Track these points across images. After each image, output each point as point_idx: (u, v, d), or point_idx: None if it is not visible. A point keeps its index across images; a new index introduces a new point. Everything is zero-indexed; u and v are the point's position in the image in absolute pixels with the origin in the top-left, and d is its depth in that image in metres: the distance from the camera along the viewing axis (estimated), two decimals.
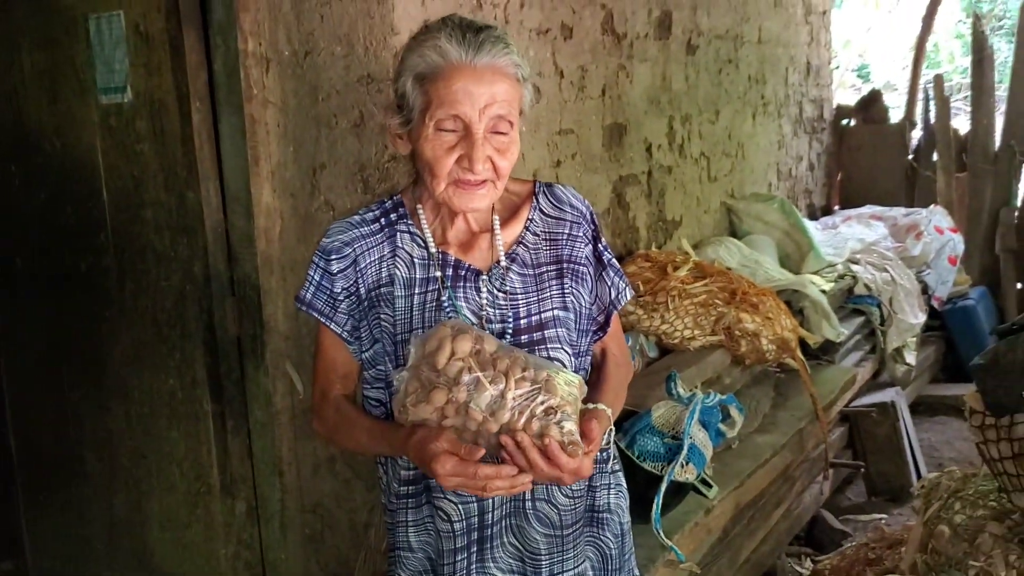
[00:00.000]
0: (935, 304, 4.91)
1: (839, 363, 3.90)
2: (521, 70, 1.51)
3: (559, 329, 1.55)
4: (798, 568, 3.40)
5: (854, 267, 4.21)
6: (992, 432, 2.16)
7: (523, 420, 1.33)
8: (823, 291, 3.70)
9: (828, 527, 3.60)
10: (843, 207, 5.88)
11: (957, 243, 5.01)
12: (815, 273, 4.03)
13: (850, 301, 4.18)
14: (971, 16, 13.49)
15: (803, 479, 3.42)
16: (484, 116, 1.45)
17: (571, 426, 1.34)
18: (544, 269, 1.59)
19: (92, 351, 2.80)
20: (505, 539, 1.56)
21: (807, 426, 3.18)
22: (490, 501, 1.53)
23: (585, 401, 1.41)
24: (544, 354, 1.52)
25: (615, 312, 1.67)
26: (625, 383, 1.73)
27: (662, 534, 2.15)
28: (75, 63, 2.61)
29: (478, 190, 1.48)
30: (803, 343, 3.30)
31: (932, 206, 5.29)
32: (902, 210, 5.24)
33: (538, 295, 1.56)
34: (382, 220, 1.60)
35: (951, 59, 13.21)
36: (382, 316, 1.55)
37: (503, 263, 1.56)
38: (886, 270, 4.32)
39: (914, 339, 4.37)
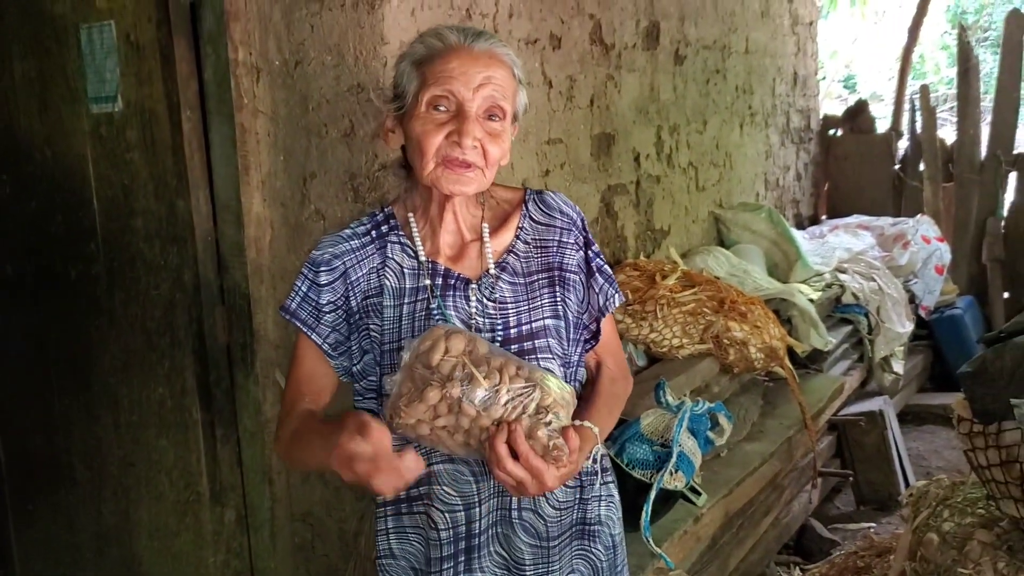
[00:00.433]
0: (922, 313, 4.94)
1: (827, 372, 3.91)
2: (518, 70, 1.53)
3: (550, 339, 1.55)
4: None
5: (842, 276, 4.24)
6: (980, 439, 2.17)
7: (515, 416, 1.33)
8: (811, 300, 3.73)
9: (817, 536, 3.61)
10: (830, 217, 5.92)
11: (944, 252, 5.04)
12: (803, 282, 4.05)
13: (838, 310, 4.21)
14: (956, 27, 13.62)
15: (792, 488, 3.43)
16: (478, 96, 1.46)
17: (559, 426, 1.35)
18: (535, 278, 1.59)
19: (81, 359, 2.79)
20: (492, 548, 1.55)
21: (795, 435, 3.19)
22: (478, 510, 1.52)
23: (573, 418, 1.40)
24: (534, 363, 1.51)
25: (604, 318, 1.65)
26: (622, 397, 1.71)
27: (651, 542, 2.16)
28: (66, 72, 2.62)
29: (467, 172, 1.47)
30: (791, 352, 3.32)
31: (919, 216, 5.32)
32: (889, 220, 5.28)
33: (528, 304, 1.56)
34: (373, 233, 1.60)
35: (937, 70, 13.30)
36: (371, 327, 1.55)
37: (492, 272, 1.56)
38: (873, 279, 4.34)
39: (902, 348, 4.40)
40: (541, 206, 1.65)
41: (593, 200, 3.43)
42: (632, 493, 2.20)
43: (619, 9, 3.46)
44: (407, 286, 1.55)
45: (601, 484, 1.64)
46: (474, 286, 1.55)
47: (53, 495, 2.90)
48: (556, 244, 1.61)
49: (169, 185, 2.50)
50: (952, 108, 9.45)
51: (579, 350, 1.63)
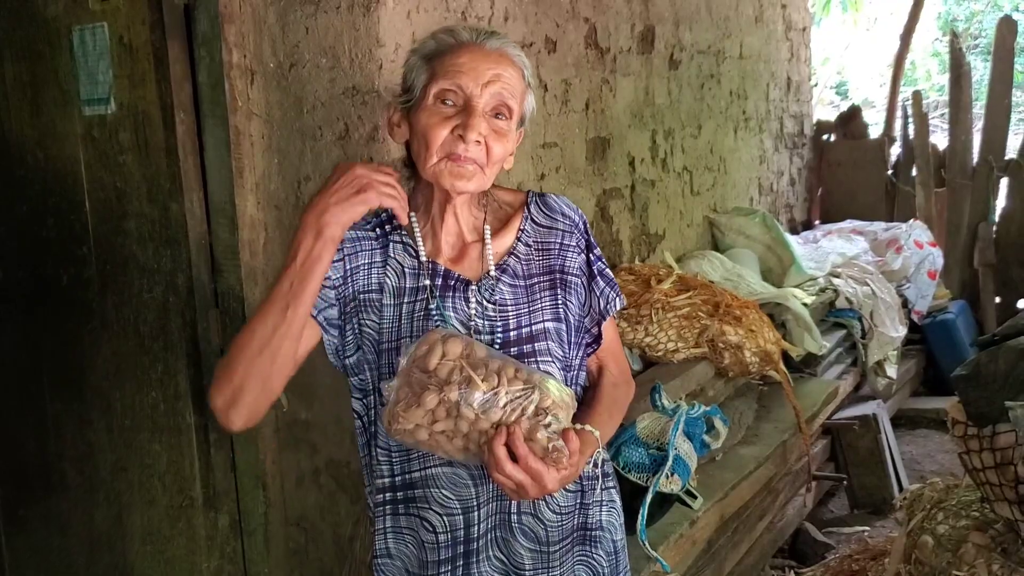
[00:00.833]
0: (915, 318, 4.95)
1: (821, 376, 3.92)
2: (528, 73, 1.53)
3: (550, 342, 1.53)
4: None
5: (835, 281, 4.25)
6: (975, 442, 2.17)
7: (513, 418, 1.31)
8: (805, 304, 3.73)
9: (811, 539, 3.61)
10: (823, 221, 5.93)
11: (936, 257, 5.06)
12: (797, 287, 4.06)
13: (831, 314, 4.21)
14: (947, 34, 13.69)
15: (786, 491, 3.43)
16: (486, 92, 1.45)
17: (559, 428, 1.34)
18: (536, 280, 1.58)
19: (73, 364, 2.78)
20: (491, 553, 1.54)
21: (790, 438, 3.19)
22: (476, 514, 1.51)
23: (574, 422, 1.39)
24: (533, 367, 1.49)
25: (609, 321, 1.65)
26: (623, 403, 1.70)
27: (648, 545, 2.15)
28: (58, 75, 2.60)
29: (467, 166, 1.46)
30: (786, 356, 3.32)
31: (912, 221, 5.34)
32: (882, 225, 5.29)
33: (528, 307, 1.55)
34: (376, 231, 1.59)
35: (928, 77, 13.39)
36: (368, 323, 1.53)
37: (493, 273, 1.55)
38: (867, 284, 4.35)
39: (895, 352, 4.40)
40: (543, 208, 1.64)
41: (588, 204, 3.43)
42: (628, 497, 2.19)
43: (614, 13, 3.46)
44: (407, 285, 1.55)
45: (603, 489, 1.63)
46: (474, 287, 1.54)
47: (45, 500, 2.88)
48: (558, 247, 1.61)
49: (162, 188, 2.48)
50: (943, 115, 9.50)
51: (580, 354, 1.62)
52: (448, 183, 1.48)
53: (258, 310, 1.42)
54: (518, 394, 1.32)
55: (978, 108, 6.48)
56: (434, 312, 1.51)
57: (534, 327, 1.54)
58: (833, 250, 4.60)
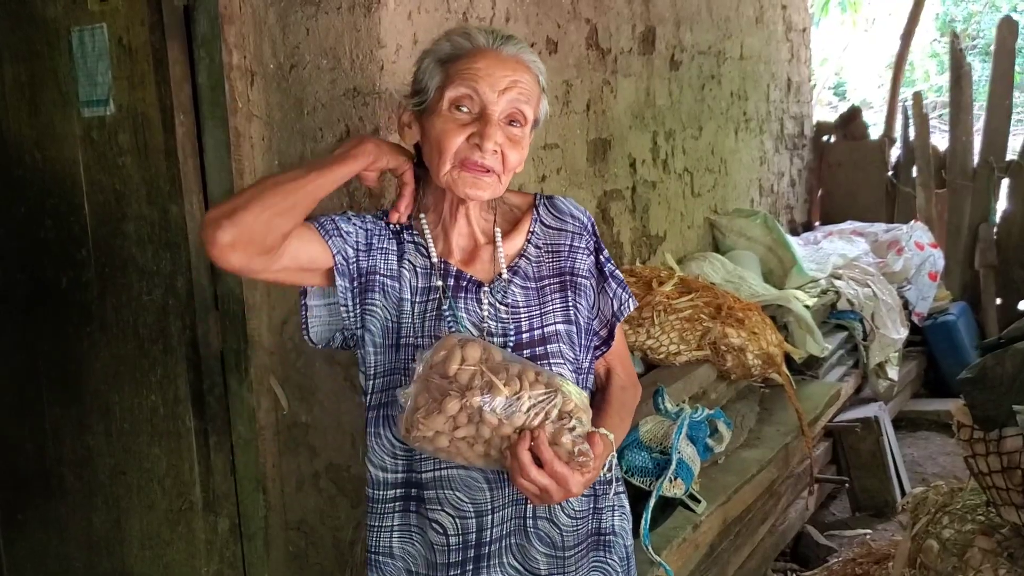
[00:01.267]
0: (915, 319, 4.93)
1: (823, 378, 3.90)
2: (543, 78, 1.52)
3: (561, 344, 1.53)
4: None
5: (837, 282, 4.23)
6: (981, 446, 2.16)
7: (538, 422, 1.30)
8: (807, 306, 3.71)
9: (813, 543, 3.60)
10: (824, 223, 5.92)
11: (937, 259, 5.04)
12: (798, 288, 4.05)
13: (833, 316, 4.20)
14: (946, 35, 13.70)
15: (788, 494, 3.42)
16: (502, 99, 1.44)
17: (583, 432, 1.32)
18: (547, 282, 1.57)
19: (72, 367, 2.76)
20: (504, 559, 1.53)
21: (792, 441, 3.18)
22: (489, 518, 1.50)
23: None
24: (545, 369, 1.48)
25: (618, 324, 1.64)
26: (631, 406, 1.69)
27: (651, 550, 2.14)
28: (57, 76, 2.59)
29: (484, 176, 1.46)
30: (788, 358, 3.30)
31: (913, 222, 5.33)
32: (883, 226, 5.28)
33: (540, 308, 1.55)
34: (390, 227, 1.59)
35: (926, 77, 13.38)
36: (376, 303, 1.53)
37: (505, 276, 1.55)
38: (868, 285, 4.34)
39: (896, 354, 4.39)
40: (552, 210, 1.64)
41: (589, 206, 3.42)
42: (631, 501, 2.18)
43: (615, 14, 3.45)
44: (419, 285, 1.54)
45: (614, 494, 1.63)
46: (486, 289, 1.53)
47: (43, 505, 2.86)
48: (567, 248, 1.60)
49: (162, 190, 2.47)
50: (941, 115, 9.49)
51: (590, 356, 1.61)
52: (462, 191, 1.48)
53: (292, 172, 1.46)
54: (541, 398, 1.31)
55: (977, 109, 6.48)
56: (447, 313, 1.51)
57: (546, 329, 1.53)
58: (834, 251, 4.59)
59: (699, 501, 2.42)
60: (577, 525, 1.55)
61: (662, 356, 2.86)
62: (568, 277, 1.58)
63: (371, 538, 1.57)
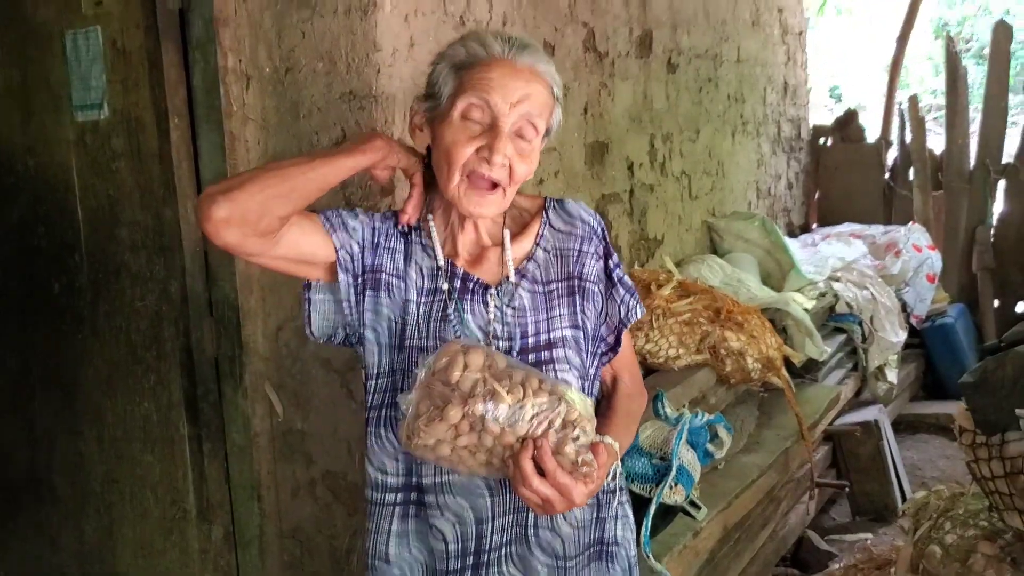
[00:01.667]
0: (913, 322, 4.92)
1: (822, 381, 3.88)
2: (557, 88, 1.50)
3: (567, 350, 1.51)
4: None
5: (835, 285, 4.21)
6: (983, 451, 2.14)
7: (541, 431, 1.28)
8: (805, 309, 3.69)
9: (814, 548, 3.57)
10: (821, 225, 5.91)
11: (935, 261, 5.03)
12: (797, 291, 4.03)
13: (832, 319, 4.18)
14: (943, 38, 13.73)
15: (788, 499, 3.39)
16: (514, 112, 1.43)
17: (587, 441, 1.30)
18: (554, 286, 1.55)
19: (64, 374, 2.74)
20: (504, 568, 1.50)
21: (792, 446, 3.16)
22: (489, 525, 1.48)
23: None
24: (551, 375, 1.47)
25: (625, 331, 1.62)
26: (637, 414, 1.68)
27: (652, 557, 2.11)
28: (50, 80, 2.56)
29: (489, 194, 1.45)
30: (787, 362, 3.28)
31: (910, 224, 5.32)
32: (880, 228, 5.27)
33: (547, 313, 1.52)
34: (398, 228, 1.57)
35: (921, 81, 13.40)
36: (382, 303, 1.51)
37: (512, 279, 1.53)
38: (866, 288, 4.32)
39: (895, 357, 4.38)
40: (562, 213, 1.62)
41: None
42: (632, 507, 2.16)
43: (612, 17, 3.43)
44: (425, 286, 1.53)
45: (617, 503, 1.61)
46: (493, 292, 1.52)
47: (35, 513, 2.83)
48: (576, 253, 1.58)
49: (156, 194, 2.45)
50: (936, 118, 9.50)
51: (596, 362, 1.59)
52: (466, 209, 1.47)
53: (298, 159, 1.45)
54: (544, 406, 1.28)
55: (971, 111, 6.47)
56: (452, 315, 1.49)
57: (552, 334, 1.51)
58: (832, 254, 4.57)
59: (699, 507, 2.40)
60: (578, 535, 1.53)
61: (661, 360, 2.83)
62: (576, 282, 1.56)
63: (369, 543, 1.55)
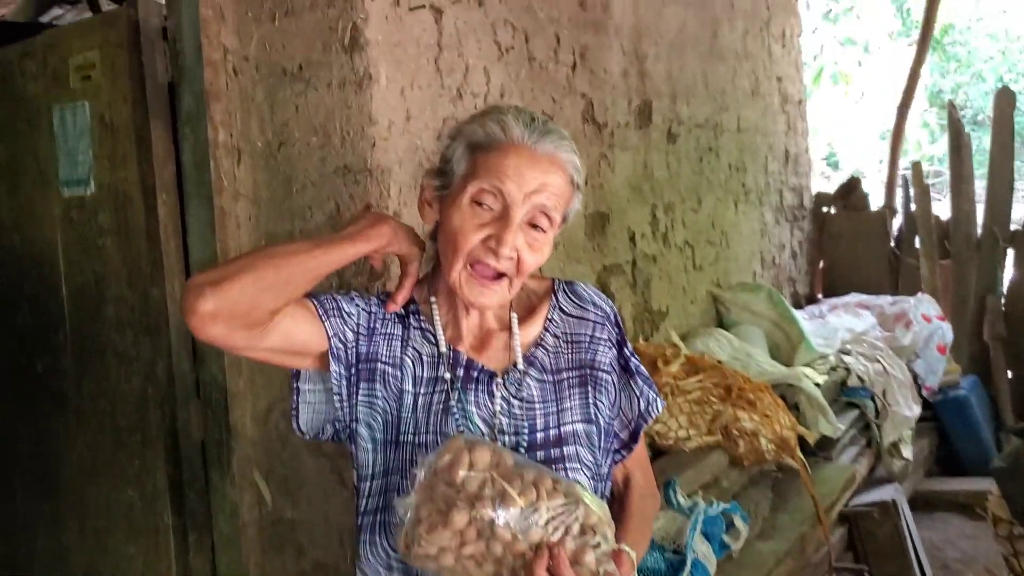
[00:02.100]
0: (925, 394, 4.77)
1: (836, 459, 3.73)
2: (578, 176, 1.41)
3: (579, 446, 1.39)
4: None
5: (846, 358, 4.08)
6: (1023, 543, 2.00)
7: (557, 538, 1.15)
8: (817, 384, 3.57)
9: None
10: (827, 295, 5.80)
11: (946, 331, 4.91)
12: (807, 365, 3.90)
13: (844, 394, 4.04)
14: (935, 106, 13.87)
15: None
16: (528, 202, 1.34)
17: (608, 550, 1.17)
18: (564, 375, 1.44)
19: (46, 458, 2.63)
20: None
21: (809, 530, 3.00)
22: None
23: None
24: (561, 474, 1.33)
25: (644, 427, 1.50)
26: (652, 517, 1.55)
27: None
28: (37, 154, 2.50)
29: (493, 285, 1.36)
30: (800, 440, 3.14)
31: (919, 294, 5.21)
32: (888, 298, 5.15)
33: (557, 405, 1.41)
34: (394, 313, 1.47)
35: (918, 147, 13.45)
36: (377, 395, 1.39)
37: (520, 366, 1.42)
38: (878, 360, 4.20)
39: (910, 432, 4.23)
40: (572, 297, 1.52)
41: (589, 281, 3.30)
42: None
43: (611, 88, 3.39)
44: (424, 375, 1.41)
45: None
46: (499, 381, 1.41)
47: None
48: (588, 339, 1.47)
49: (143, 272, 2.36)
50: (934, 184, 9.49)
51: (608, 461, 1.46)
52: (467, 298, 1.38)
53: (293, 247, 1.37)
54: (560, 510, 1.16)
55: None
56: (455, 407, 1.37)
57: (563, 428, 1.39)
58: (841, 326, 4.45)
59: None
60: None
61: (671, 442, 2.71)
62: (588, 371, 1.45)
63: None
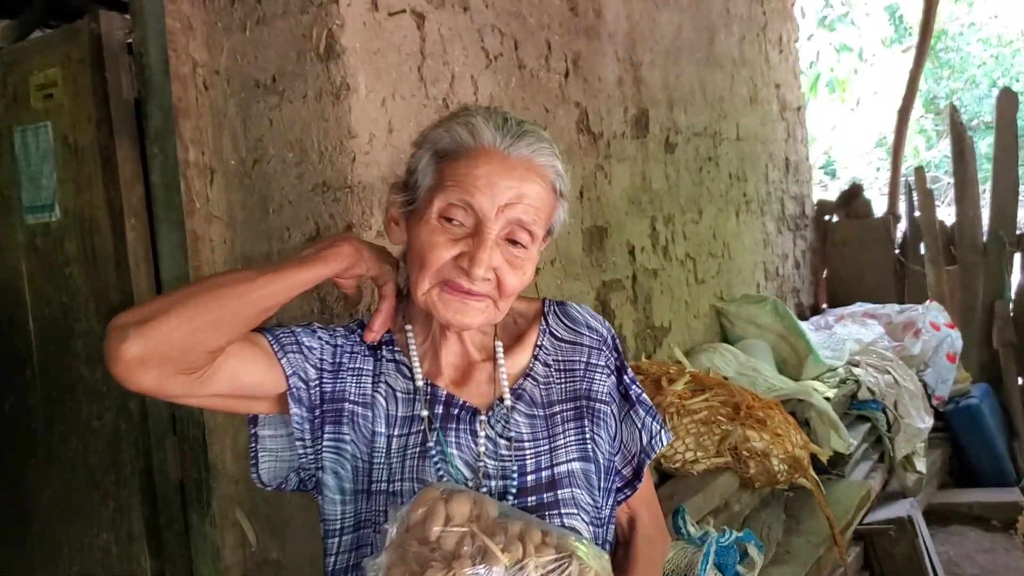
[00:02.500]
0: (935, 404, 4.63)
1: (849, 476, 3.58)
2: (561, 182, 1.24)
3: (575, 489, 1.23)
4: None
5: (855, 370, 3.94)
6: None
7: None
8: (827, 398, 3.42)
9: None
10: (831, 305, 5.67)
11: (955, 339, 4.76)
12: (815, 379, 3.76)
13: (854, 407, 3.90)
14: (931, 112, 13.81)
15: None
16: (502, 216, 1.17)
17: None
18: (558, 409, 1.28)
19: (16, 502, 2.48)
20: None
21: (824, 553, 2.85)
22: None
23: None
24: (556, 522, 1.19)
25: (648, 462, 1.34)
26: (660, 562, 1.38)
27: None
28: None
29: (472, 300, 1.19)
30: (812, 457, 3.00)
31: (927, 302, 5.08)
32: (896, 307, 5.02)
33: (550, 443, 1.25)
34: (364, 344, 1.31)
35: (916, 153, 13.37)
36: (345, 439, 1.23)
37: (507, 401, 1.27)
38: (888, 372, 4.05)
39: (922, 445, 4.09)
40: (563, 320, 1.36)
41: (588, 298, 3.17)
42: None
43: (606, 97, 3.26)
44: (399, 414, 1.26)
45: None
46: (483, 418, 1.25)
47: None
48: (583, 367, 1.32)
49: (112, 302, 2.22)
50: (935, 189, 9.38)
51: (611, 502, 1.30)
52: (444, 317, 1.21)
53: (241, 275, 1.19)
54: (551, 567, 1.01)
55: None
56: (433, 450, 1.22)
57: (557, 469, 1.24)
58: (849, 336, 4.31)
59: None
60: None
61: (678, 465, 2.56)
62: (584, 402, 1.29)
63: None
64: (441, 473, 1.20)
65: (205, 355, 1.12)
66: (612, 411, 1.32)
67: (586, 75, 3.11)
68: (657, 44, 3.67)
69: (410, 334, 1.30)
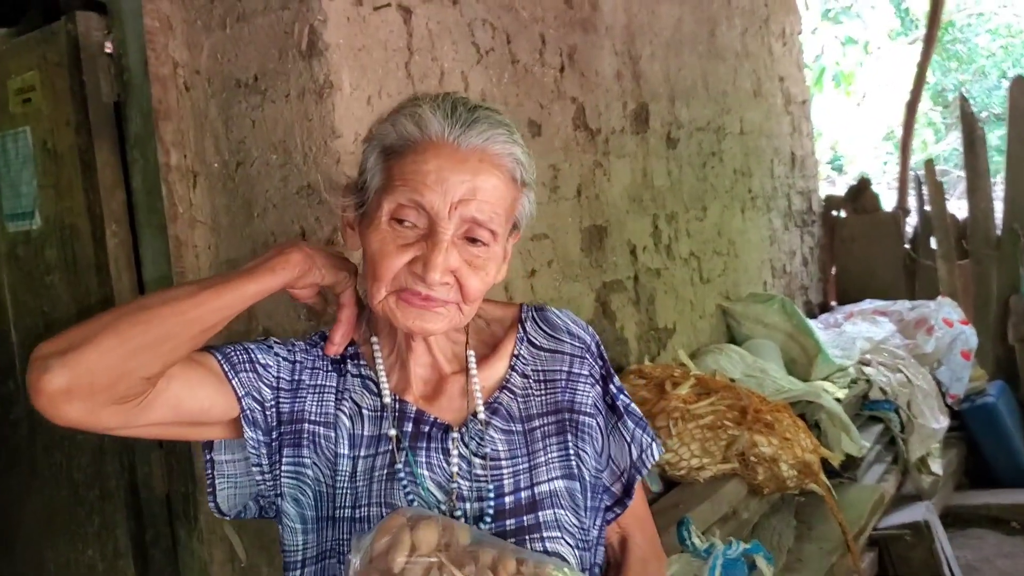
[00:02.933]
0: (950, 402, 4.53)
1: (861, 479, 3.49)
2: (522, 170, 1.14)
3: (558, 510, 1.14)
4: None
5: (866, 370, 3.84)
6: None
7: None
8: (838, 399, 3.33)
9: None
10: (840, 302, 5.57)
11: (970, 336, 4.65)
12: (825, 379, 3.66)
13: (866, 407, 3.80)
14: (938, 105, 13.68)
15: None
16: (455, 214, 1.08)
17: None
18: (537, 424, 1.20)
19: (1, 517, 2.41)
20: None
21: (837, 560, 2.77)
22: None
23: None
24: (538, 547, 1.11)
25: (639, 479, 1.26)
26: None
27: None
28: None
29: (433, 306, 1.10)
30: (823, 461, 2.91)
31: (939, 297, 4.97)
32: (907, 303, 4.92)
33: (529, 460, 1.17)
34: (328, 357, 1.23)
35: (924, 147, 13.24)
36: (305, 463, 1.15)
37: (481, 416, 1.18)
38: (900, 371, 3.95)
39: (937, 446, 3.98)
40: (542, 326, 1.27)
41: (587, 299, 3.08)
42: None
43: (603, 91, 3.18)
44: (364, 433, 1.17)
45: None
46: (456, 435, 1.17)
47: None
48: (564, 376, 1.23)
49: (93, 311, 2.15)
50: (943, 183, 9.26)
51: (599, 522, 1.22)
52: (404, 324, 1.12)
53: (183, 290, 1.10)
54: None
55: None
56: (402, 471, 1.13)
57: (537, 489, 1.15)
58: (859, 335, 4.22)
59: None
60: None
61: (683, 472, 2.48)
62: (567, 415, 1.21)
63: None
64: (411, 496, 1.12)
65: (141, 382, 1.03)
66: (598, 424, 1.24)
67: (583, 69, 3.02)
68: (657, 37, 3.58)
69: (376, 346, 1.22)
